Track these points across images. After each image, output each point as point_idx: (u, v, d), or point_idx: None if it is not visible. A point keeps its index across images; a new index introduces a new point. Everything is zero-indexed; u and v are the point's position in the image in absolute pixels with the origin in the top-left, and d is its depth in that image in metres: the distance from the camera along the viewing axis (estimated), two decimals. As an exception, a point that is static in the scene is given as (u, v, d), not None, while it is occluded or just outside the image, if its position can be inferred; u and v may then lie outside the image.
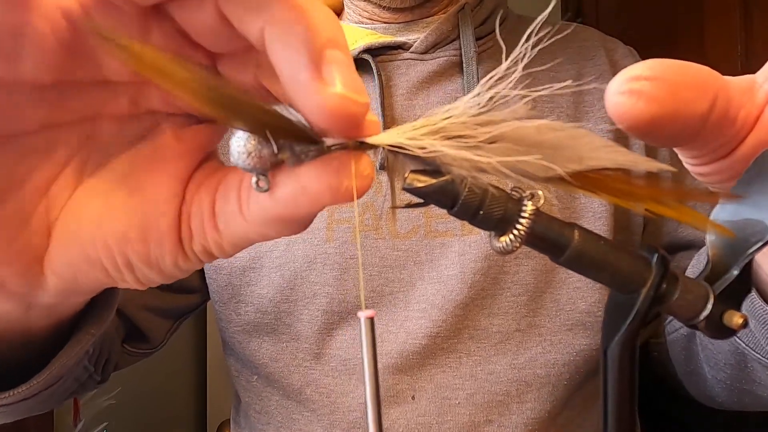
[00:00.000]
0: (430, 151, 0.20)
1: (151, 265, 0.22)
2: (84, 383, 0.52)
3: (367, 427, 0.20)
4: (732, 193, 0.24)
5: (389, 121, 0.55)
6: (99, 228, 0.21)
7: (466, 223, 0.53)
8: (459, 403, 0.53)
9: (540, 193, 0.22)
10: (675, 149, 0.25)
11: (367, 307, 0.54)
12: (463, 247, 0.53)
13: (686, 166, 0.26)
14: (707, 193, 0.24)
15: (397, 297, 0.54)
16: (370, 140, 0.21)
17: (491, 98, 0.21)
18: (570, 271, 0.55)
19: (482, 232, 0.52)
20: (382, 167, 0.54)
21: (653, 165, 0.22)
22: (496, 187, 0.22)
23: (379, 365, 0.54)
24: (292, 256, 0.56)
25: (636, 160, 0.22)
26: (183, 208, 0.22)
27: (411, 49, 0.58)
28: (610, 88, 0.21)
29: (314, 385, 0.56)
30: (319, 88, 0.18)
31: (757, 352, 0.45)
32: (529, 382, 0.53)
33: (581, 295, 0.54)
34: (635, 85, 0.21)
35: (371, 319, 0.21)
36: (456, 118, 0.21)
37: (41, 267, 0.22)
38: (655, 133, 0.22)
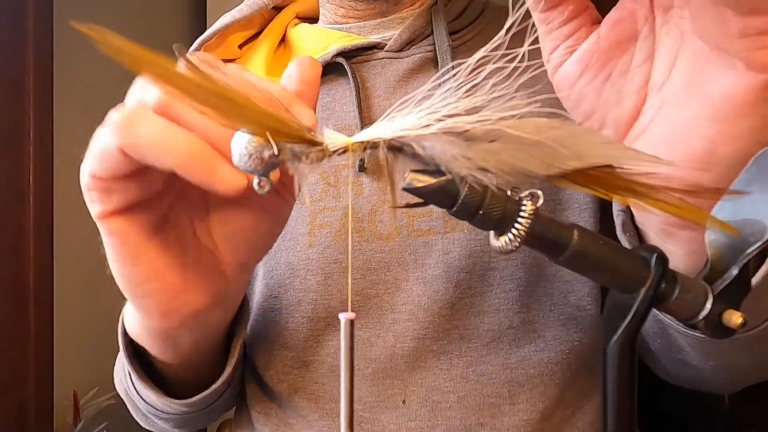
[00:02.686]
0: (426, 138, 0.20)
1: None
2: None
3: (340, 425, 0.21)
4: (735, 190, 0.24)
5: (368, 123, 0.54)
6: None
7: (448, 220, 0.52)
8: (450, 406, 0.52)
9: (539, 193, 0.22)
10: None
11: (352, 311, 0.53)
12: (447, 246, 0.52)
13: None
14: (710, 189, 0.24)
15: (383, 299, 0.53)
16: (369, 136, 0.21)
17: (469, 88, 0.21)
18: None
19: (466, 228, 0.52)
20: (361, 169, 0.54)
21: (654, 160, 0.22)
22: (497, 187, 0.22)
23: (369, 370, 0.53)
24: (275, 264, 0.56)
25: (637, 156, 0.22)
26: None
27: (386, 48, 0.57)
28: None
29: (302, 392, 0.55)
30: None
31: (668, 318, 0.45)
32: (521, 383, 0.52)
33: (571, 288, 0.53)
34: None
35: (351, 321, 0.21)
36: (451, 110, 0.21)
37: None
38: None
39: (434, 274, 0.52)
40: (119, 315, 0.63)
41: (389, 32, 0.59)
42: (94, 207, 0.32)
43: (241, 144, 0.21)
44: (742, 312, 0.24)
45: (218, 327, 0.45)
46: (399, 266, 0.53)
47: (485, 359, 0.52)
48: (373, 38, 0.58)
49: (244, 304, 0.48)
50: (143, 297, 0.36)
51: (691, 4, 0.27)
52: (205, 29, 0.61)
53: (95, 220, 0.33)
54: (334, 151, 0.22)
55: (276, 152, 0.21)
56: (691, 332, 0.44)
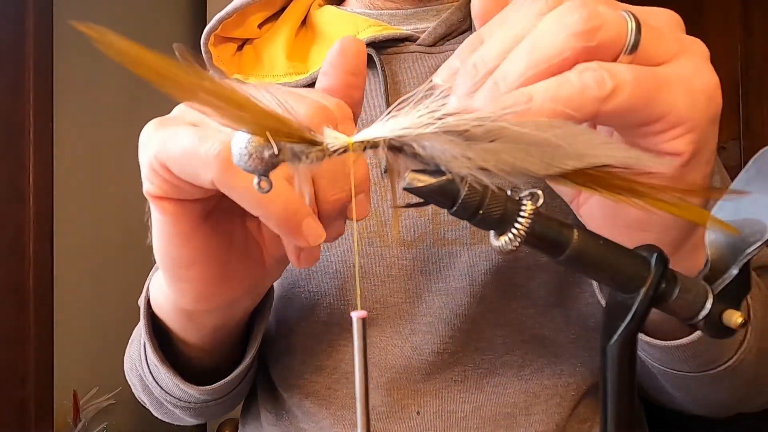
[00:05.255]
0: (426, 137, 0.20)
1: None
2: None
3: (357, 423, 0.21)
4: (735, 190, 0.24)
5: None
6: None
7: (475, 231, 0.50)
8: (465, 416, 0.50)
9: (539, 193, 0.22)
10: None
11: (370, 319, 0.51)
12: (473, 258, 0.50)
13: None
14: (710, 188, 0.24)
15: (402, 308, 0.51)
16: (369, 136, 0.21)
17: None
18: (582, 287, 0.52)
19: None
20: (386, 171, 0.50)
21: (654, 160, 0.22)
22: (497, 187, 0.22)
23: (384, 379, 0.51)
24: (289, 264, 0.54)
25: (637, 156, 0.22)
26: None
27: (418, 42, 0.54)
28: None
29: (314, 397, 0.53)
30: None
31: (650, 360, 0.45)
32: (537, 393, 0.50)
33: (592, 312, 0.51)
34: None
35: (363, 320, 0.21)
36: (452, 109, 0.21)
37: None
38: None
39: (457, 287, 0.50)
40: (119, 315, 0.62)
41: (422, 24, 0.56)
42: (152, 188, 0.31)
43: (241, 144, 0.21)
44: (742, 312, 0.24)
45: (244, 312, 0.44)
46: (421, 275, 0.51)
47: (499, 371, 0.50)
48: (405, 29, 0.55)
49: (269, 290, 0.47)
50: (183, 281, 0.35)
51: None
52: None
53: (147, 196, 0.32)
54: (334, 151, 0.22)
55: (276, 152, 0.21)
56: (672, 371, 0.45)
